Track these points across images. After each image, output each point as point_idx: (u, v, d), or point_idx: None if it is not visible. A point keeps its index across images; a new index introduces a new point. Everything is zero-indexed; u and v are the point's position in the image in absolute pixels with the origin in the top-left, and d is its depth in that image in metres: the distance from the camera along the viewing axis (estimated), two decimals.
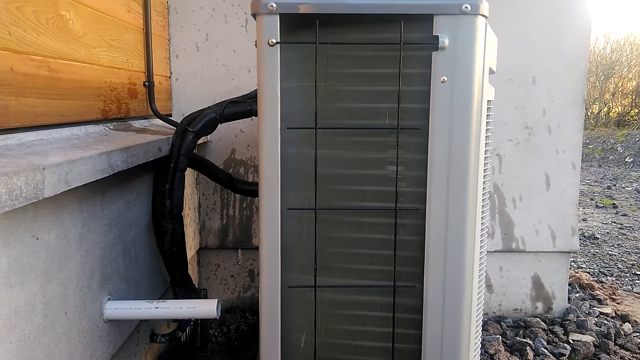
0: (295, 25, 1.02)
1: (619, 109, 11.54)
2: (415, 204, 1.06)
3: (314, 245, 1.07)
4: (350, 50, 1.04)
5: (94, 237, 1.28)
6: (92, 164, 1.15)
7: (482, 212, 1.13)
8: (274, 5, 0.98)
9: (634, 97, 11.32)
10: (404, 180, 1.06)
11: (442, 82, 1.00)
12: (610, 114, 11.44)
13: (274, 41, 0.99)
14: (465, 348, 1.09)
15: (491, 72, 1.12)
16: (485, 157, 1.12)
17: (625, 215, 4.86)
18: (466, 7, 0.97)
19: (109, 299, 1.35)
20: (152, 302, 1.39)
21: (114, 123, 1.65)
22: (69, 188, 1.05)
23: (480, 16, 0.99)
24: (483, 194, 1.14)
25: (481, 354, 2.04)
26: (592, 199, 5.57)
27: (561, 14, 2.21)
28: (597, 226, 4.43)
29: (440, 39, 0.98)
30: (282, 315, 1.08)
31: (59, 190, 1.01)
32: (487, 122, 1.11)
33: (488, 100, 1.10)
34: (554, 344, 2.13)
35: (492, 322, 2.31)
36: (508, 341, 2.16)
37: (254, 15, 1.01)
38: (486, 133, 1.11)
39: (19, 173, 0.89)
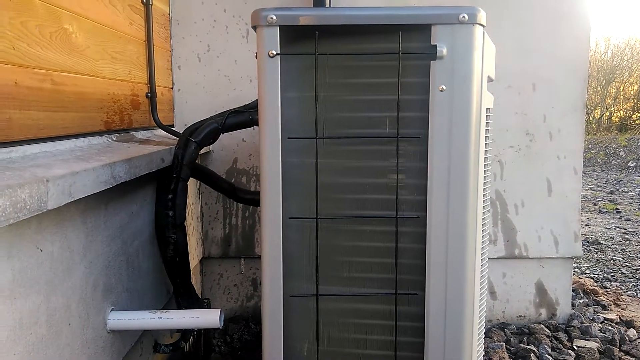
0: (295, 37, 1.03)
1: (621, 114, 11.54)
2: (416, 211, 1.06)
3: (315, 254, 1.08)
4: (350, 61, 1.05)
5: (97, 248, 1.29)
6: (95, 175, 1.16)
7: (483, 218, 1.14)
8: (274, 17, 0.99)
9: (635, 101, 11.32)
10: (404, 188, 1.06)
11: (441, 90, 1.01)
12: (613, 119, 11.44)
13: (274, 52, 1.01)
14: (468, 355, 1.09)
15: (490, 80, 1.13)
16: (485, 165, 1.13)
17: (629, 220, 4.85)
18: (463, 17, 0.98)
19: (112, 310, 1.36)
20: (155, 312, 1.39)
21: (117, 134, 1.66)
22: (73, 200, 1.06)
23: (477, 25, 1.00)
24: (484, 200, 1.15)
25: None
26: (595, 204, 5.56)
27: (560, 20, 2.22)
28: (600, 231, 4.41)
29: (438, 49, 1.00)
30: (284, 324, 1.08)
31: (62, 202, 1.02)
32: (486, 130, 1.12)
33: (487, 108, 1.11)
34: (558, 351, 2.12)
35: (495, 329, 2.30)
36: (512, 348, 2.16)
37: (254, 28, 1.02)
38: (485, 140, 1.12)
39: (23, 185, 0.90)
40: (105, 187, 1.21)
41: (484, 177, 1.13)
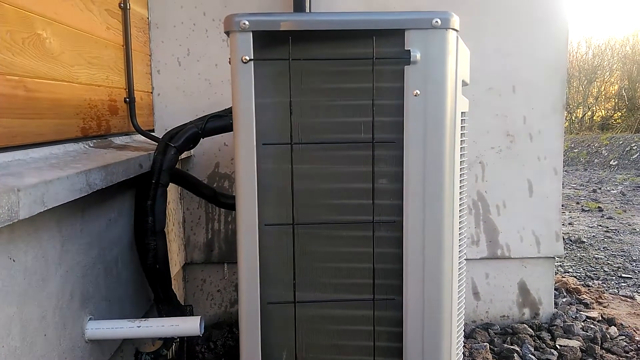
0: (268, 42, 1.02)
1: (603, 113, 11.71)
2: (393, 216, 1.06)
3: (292, 260, 1.07)
4: (324, 66, 1.04)
5: (73, 256, 1.27)
6: (69, 183, 1.14)
7: (460, 222, 1.14)
8: (247, 22, 0.99)
9: (616, 100, 11.50)
10: (381, 193, 1.06)
11: (415, 95, 1.01)
12: (594, 118, 11.60)
13: (247, 58, 1.00)
14: (447, 358, 1.09)
15: (464, 84, 1.13)
16: (461, 168, 1.13)
17: (611, 218, 4.91)
18: (436, 22, 0.99)
19: (90, 319, 1.34)
20: (134, 321, 1.38)
21: (94, 140, 1.64)
22: (46, 209, 1.05)
23: (450, 30, 1.00)
24: (461, 203, 1.15)
25: None
26: (577, 203, 5.63)
27: (538, 23, 2.24)
28: (583, 230, 4.47)
29: (412, 53, 1.00)
30: (262, 332, 1.08)
31: (35, 212, 1.00)
32: (462, 134, 1.12)
33: (462, 112, 1.11)
34: (541, 350, 2.14)
35: (479, 329, 2.31)
36: (496, 348, 2.17)
37: (227, 33, 1.01)
38: (461, 144, 1.12)
39: None
40: (81, 195, 1.19)
41: (460, 180, 1.13)
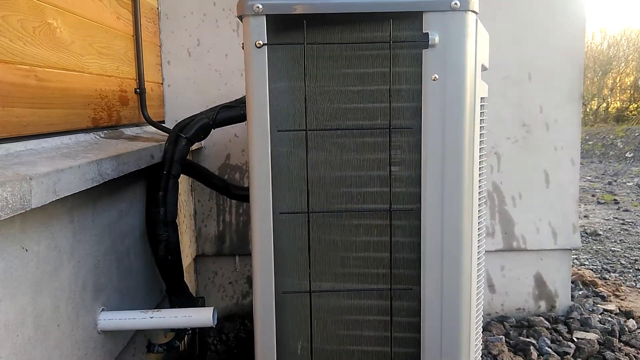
0: (283, 26, 1.00)
1: (618, 104, 11.51)
2: (411, 204, 1.04)
3: (307, 249, 1.05)
4: (340, 50, 1.02)
5: (85, 247, 1.26)
6: (81, 173, 1.13)
7: (479, 210, 1.11)
8: (260, 6, 0.96)
9: (632, 92, 11.30)
10: (398, 180, 1.04)
11: (434, 80, 0.98)
12: (609, 110, 11.41)
13: (261, 43, 0.97)
14: (465, 350, 1.06)
15: (484, 68, 1.10)
16: (480, 155, 1.10)
17: (627, 210, 4.83)
18: (456, 4, 0.95)
19: (102, 310, 1.33)
20: (147, 312, 1.37)
21: (105, 131, 1.63)
22: (58, 198, 1.03)
23: (470, 12, 0.97)
24: (480, 192, 1.12)
25: (485, 355, 2.02)
26: (593, 195, 5.55)
27: (555, 10, 2.19)
28: (599, 222, 4.40)
29: (430, 37, 0.97)
30: (277, 322, 1.06)
31: (47, 201, 0.99)
32: (481, 120, 1.09)
33: (481, 97, 1.08)
34: (558, 343, 2.11)
35: (495, 322, 2.28)
36: (512, 341, 2.14)
37: (240, 17, 0.99)
38: (480, 130, 1.09)
39: (5, 184, 0.87)
40: (92, 184, 1.18)
41: (480, 167, 1.10)
